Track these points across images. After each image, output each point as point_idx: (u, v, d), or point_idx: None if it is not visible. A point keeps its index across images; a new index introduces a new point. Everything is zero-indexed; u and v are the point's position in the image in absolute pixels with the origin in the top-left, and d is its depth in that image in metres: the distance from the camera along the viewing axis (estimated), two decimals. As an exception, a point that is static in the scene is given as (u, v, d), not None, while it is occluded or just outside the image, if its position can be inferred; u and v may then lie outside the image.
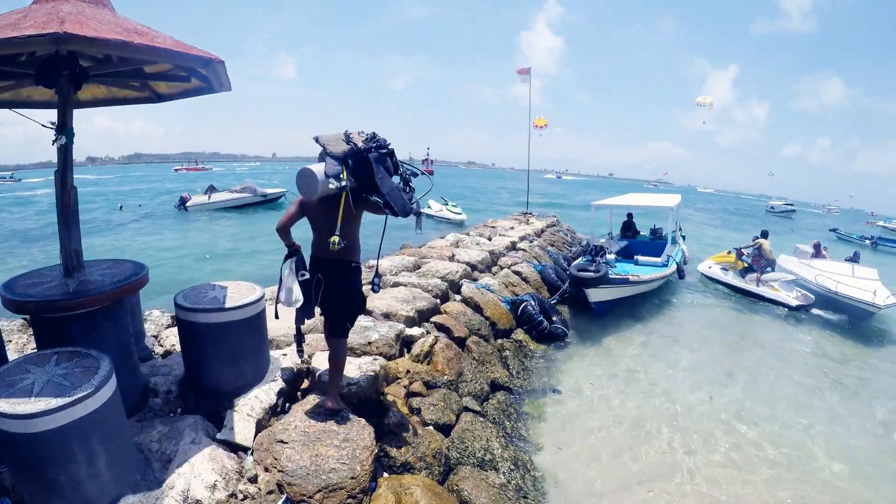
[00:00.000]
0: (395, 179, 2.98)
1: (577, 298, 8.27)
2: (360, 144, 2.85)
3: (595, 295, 7.66)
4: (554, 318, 7.14)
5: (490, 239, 10.61)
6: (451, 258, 8.05)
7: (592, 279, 7.48)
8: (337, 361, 3.17)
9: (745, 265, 11.97)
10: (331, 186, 2.75)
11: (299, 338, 3.32)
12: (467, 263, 7.72)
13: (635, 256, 9.85)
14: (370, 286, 3.21)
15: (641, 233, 12.85)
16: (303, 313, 3.13)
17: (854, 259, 13.10)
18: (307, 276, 2.99)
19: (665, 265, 9.55)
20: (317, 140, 2.94)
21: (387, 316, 4.97)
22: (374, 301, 5.22)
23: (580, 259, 9.73)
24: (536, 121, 21.38)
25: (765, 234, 12.26)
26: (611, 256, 9.73)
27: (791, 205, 61.02)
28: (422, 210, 3.20)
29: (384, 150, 2.90)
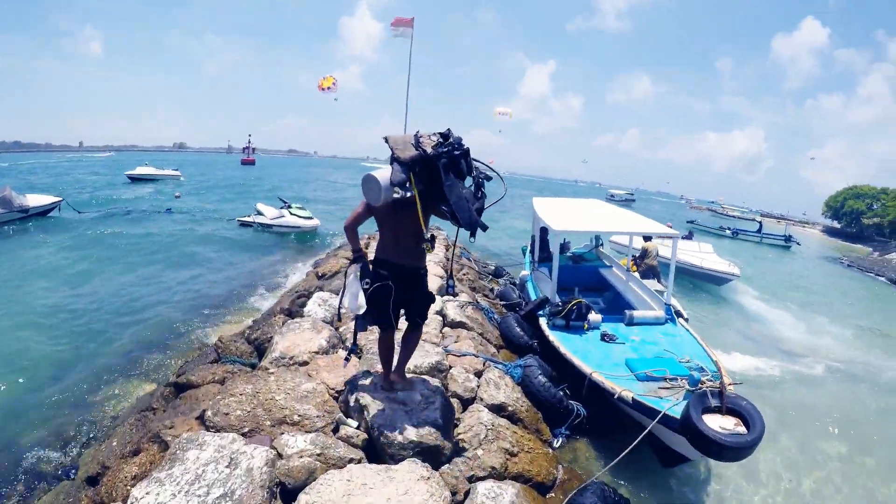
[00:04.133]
0: (468, 182, 2.86)
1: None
2: (429, 150, 2.74)
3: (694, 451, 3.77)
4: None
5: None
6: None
7: (748, 443, 3.42)
8: (408, 347, 3.41)
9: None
10: (395, 195, 2.74)
11: (354, 346, 3.47)
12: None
13: (628, 313, 6.39)
14: (446, 289, 3.53)
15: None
16: (363, 322, 3.21)
17: (689, 237, 15.41)
18: (370, 285, 3.01)
19: (670, 320, 6.39)
20: (386, 141, 2.87)
21: None
22: None
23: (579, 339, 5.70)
24: (322, 82, 17.31)
25: (647, 237, 10.07)
26: (597, 317, 6.12)
27: (632, 194, 65.88)
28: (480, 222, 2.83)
29: (457, 153, 2.74)
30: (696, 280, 13.15)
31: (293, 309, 6.47)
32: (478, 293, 8.34)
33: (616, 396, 4.24)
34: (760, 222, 31.60)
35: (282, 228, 16.82)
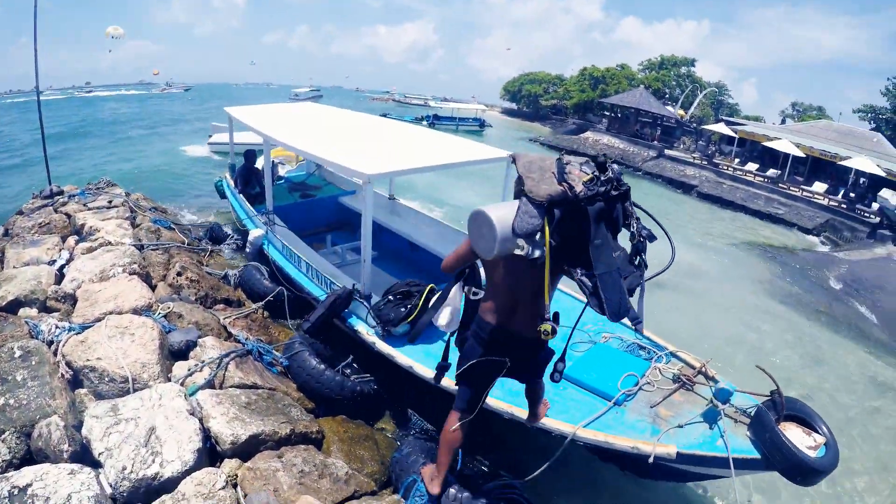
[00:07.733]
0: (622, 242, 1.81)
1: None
2: (578, 188, 1.68)
3: None
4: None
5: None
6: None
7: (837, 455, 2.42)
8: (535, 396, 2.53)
9: None
10: (518, 251, 1.71)
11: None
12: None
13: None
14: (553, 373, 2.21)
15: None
16: (443, 371, 2.34)
17: None
18: (480, 294, 2.11)
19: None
20: (514, 162, 1.87)
21: None
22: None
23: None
24: None
25: None
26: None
27: (318, 90, 62.23)
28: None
29: (616, 194, 1.71)
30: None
31: None
32: (222, 310, 4.28)
33: (651, 459, 2.56)
34: (483, 119, 32.89)
35: None
